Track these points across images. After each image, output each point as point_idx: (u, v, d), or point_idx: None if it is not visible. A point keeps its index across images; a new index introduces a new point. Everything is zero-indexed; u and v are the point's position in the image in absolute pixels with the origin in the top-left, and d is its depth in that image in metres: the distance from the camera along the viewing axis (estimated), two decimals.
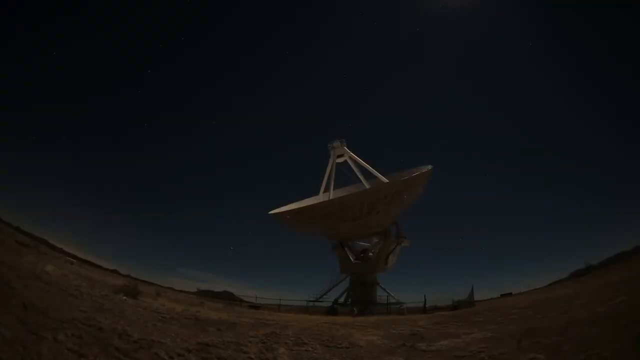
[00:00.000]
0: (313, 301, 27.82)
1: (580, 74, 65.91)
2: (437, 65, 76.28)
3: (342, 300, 28.85)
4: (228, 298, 29.88)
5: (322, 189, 29.42)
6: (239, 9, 67.87)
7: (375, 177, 28.12)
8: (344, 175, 29.39)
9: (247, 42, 71.67)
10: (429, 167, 27.85)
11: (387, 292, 28.35)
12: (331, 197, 28.17)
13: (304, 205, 28.77)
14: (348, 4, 70.16)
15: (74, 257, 28.57)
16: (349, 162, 28.52)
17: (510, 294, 26.81)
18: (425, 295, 25.52)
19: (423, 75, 77.51)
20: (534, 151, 75.63)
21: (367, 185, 28.27)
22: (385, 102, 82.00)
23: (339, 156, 28.44)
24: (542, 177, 76.40)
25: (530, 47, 68.66)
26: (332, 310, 25.03)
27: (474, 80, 78.05)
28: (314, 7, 70.22)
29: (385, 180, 27.41)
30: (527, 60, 67.95)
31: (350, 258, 29.50)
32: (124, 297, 9.58)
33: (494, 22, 66.36)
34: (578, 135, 71.71)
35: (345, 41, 74.85)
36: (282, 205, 29.75)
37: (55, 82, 65.61)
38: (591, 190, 70.39)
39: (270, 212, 29.09)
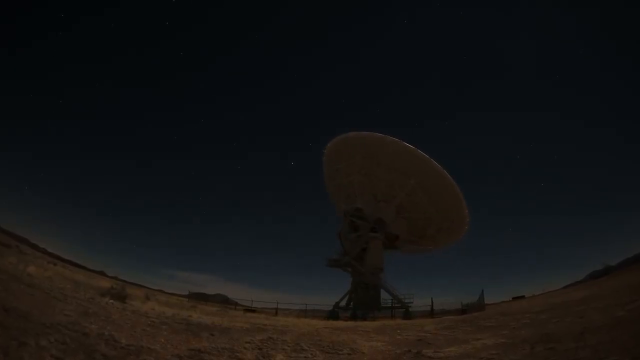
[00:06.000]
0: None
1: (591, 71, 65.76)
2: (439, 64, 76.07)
3: (343, 303, 28.96)
4: (222, 301, 30.03)
5: None
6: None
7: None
8: None
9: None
10: None
11: (391, 294, 28.43)
12: None
13: None
14: None
15: (58, 257, 28.73)
16: None
17: (523, 296, 26.92)
18: (432, 299, 25.71)
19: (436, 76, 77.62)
20: (550, 150, 75.82)
21: None
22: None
23: None
24: (558, 177, 76.70)
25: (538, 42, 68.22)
26: (333, 315, 25.16)
27: (484, 82, 77.97)
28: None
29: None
30: (535, 60, 67.80)
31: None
32: (111, 301, 9.61)
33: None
34: (595, 135, 71.79)
35: None
36: None
37: (46, 73, 65.50)
38: (609, 189, 70.58)
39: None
